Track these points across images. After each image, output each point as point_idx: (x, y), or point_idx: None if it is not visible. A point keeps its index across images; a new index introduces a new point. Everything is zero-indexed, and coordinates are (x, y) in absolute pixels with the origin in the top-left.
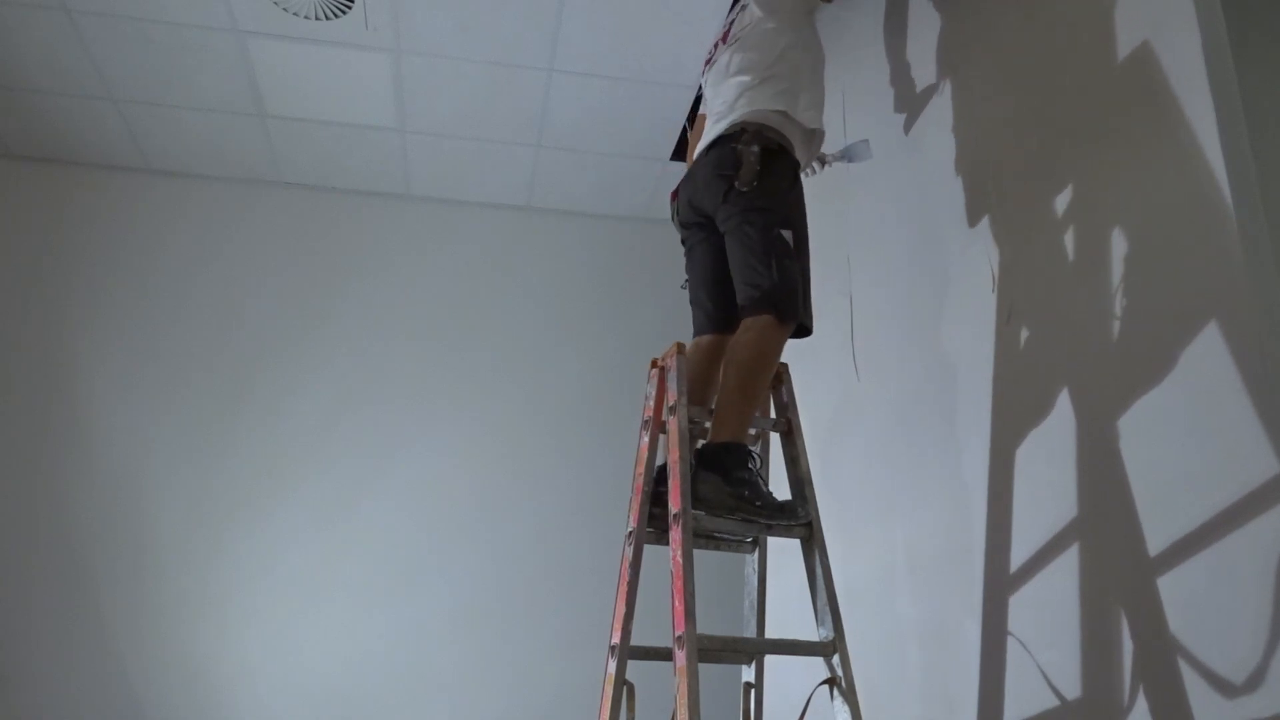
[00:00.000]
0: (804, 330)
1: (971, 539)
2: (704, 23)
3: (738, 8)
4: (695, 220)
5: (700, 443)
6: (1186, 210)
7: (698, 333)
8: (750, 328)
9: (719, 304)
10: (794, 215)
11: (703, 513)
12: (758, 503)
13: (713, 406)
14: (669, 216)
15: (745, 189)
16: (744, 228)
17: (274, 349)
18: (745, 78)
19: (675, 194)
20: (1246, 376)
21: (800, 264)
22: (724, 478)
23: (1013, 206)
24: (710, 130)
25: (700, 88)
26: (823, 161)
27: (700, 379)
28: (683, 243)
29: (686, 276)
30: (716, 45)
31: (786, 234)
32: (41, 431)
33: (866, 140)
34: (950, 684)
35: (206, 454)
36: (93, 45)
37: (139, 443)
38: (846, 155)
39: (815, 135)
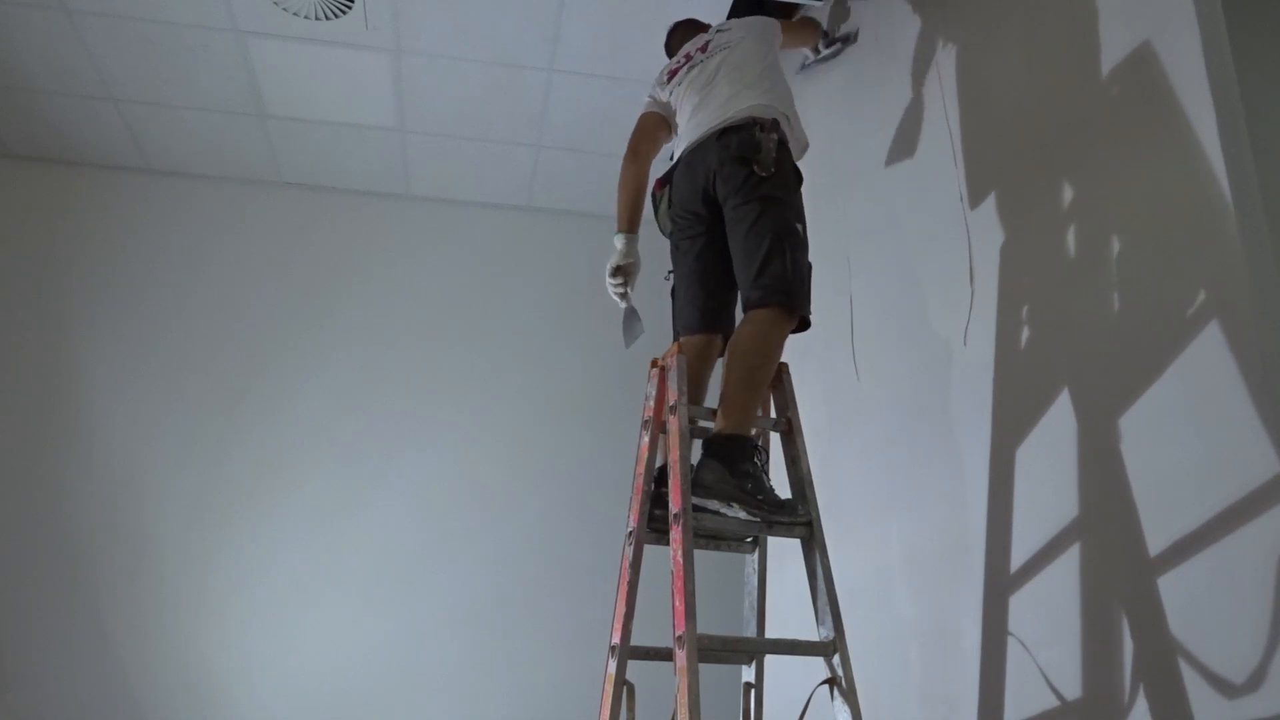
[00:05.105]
0: (805, 324)
1: (971, 539)
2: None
3: (709, 31)
4: (693, 213)
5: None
6: (1186, 210)
7: (686, 330)
8: (755, 320)
9: (713, 300)
10: (802, 211)
11: (702, 501)
12: (759, 496)
13: (708, 405)
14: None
15: (765, 174)
16: (761, 217)
17: (274, 349)
18: (744, 78)
19: (661, 184)
20: (1246, 376)
21: (807, 259)
22: (729, 469)
23: (1013, 206)
24: (714, 118)
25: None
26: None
27: (693, 379)
28: (670, 235)
29: (671, 270)
30: (688, 57)
31: (799, 227)
32: (41, 431)
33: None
34: (950, 684)
35: (206, 454)
36: (93, 45)
37: (139, 443)
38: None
39: (805, 150)
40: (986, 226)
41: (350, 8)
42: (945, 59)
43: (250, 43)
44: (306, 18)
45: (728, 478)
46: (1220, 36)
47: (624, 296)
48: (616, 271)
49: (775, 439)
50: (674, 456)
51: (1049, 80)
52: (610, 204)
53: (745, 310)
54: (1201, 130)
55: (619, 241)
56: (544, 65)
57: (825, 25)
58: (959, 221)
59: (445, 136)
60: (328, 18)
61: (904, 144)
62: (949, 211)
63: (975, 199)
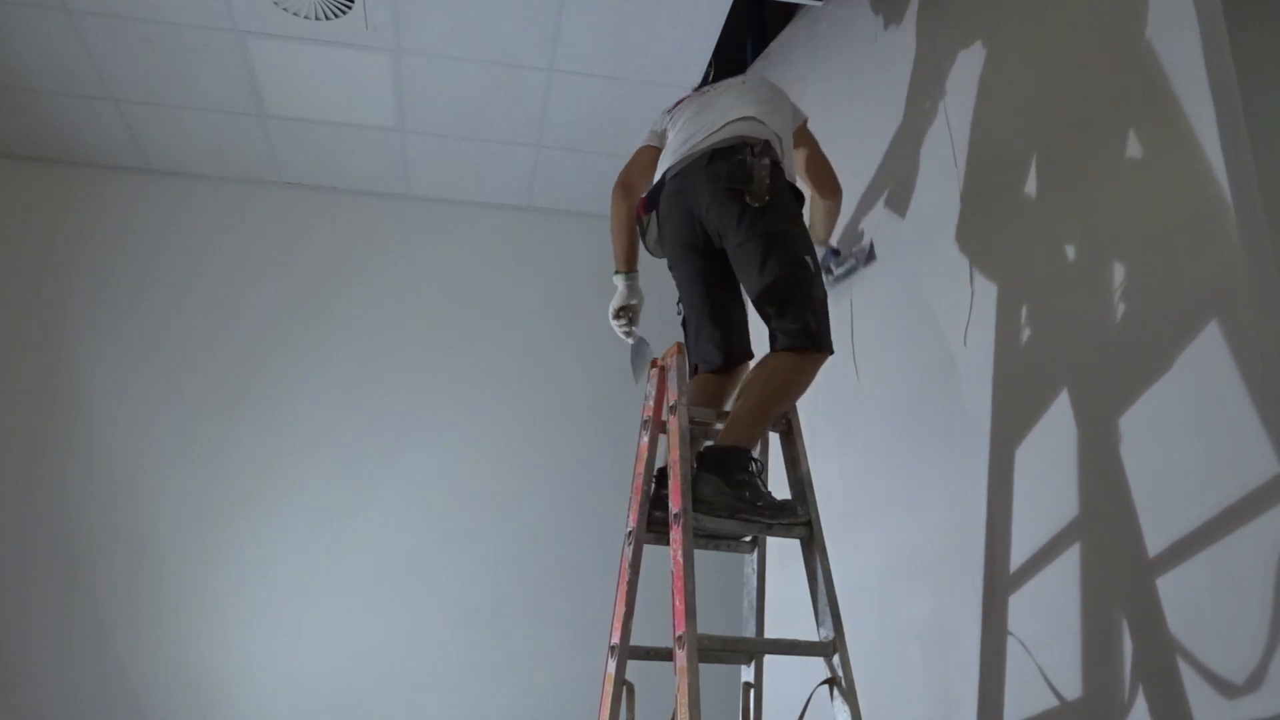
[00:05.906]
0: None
1: (971, 539)
2: (704, 22)
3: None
4: (689, 246)
5: (706, 444)
6: (1186, 210)
7: (708, 368)
8: (784, 358)
9: (730, 338)
10: (808, 238)
11: (703, 514)
12: (759, 503)
13: (724, 409)
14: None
15: (758, 204)
16: (768, 257)
17: (274, 349)
18: (747, 96)
19: (646, 207)
20: (1246, 376)
21: (822, 291)
22: (725, 479)
23: (1013, 205)
24: (705, 132)
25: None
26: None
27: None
28: (670, 267)
29: (680, 301)
30: (700, 90)
31: (809, 259)
32: (41, 431)
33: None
34: (950, 684)
35: (206, 454)
36: (93, 45)
37: (139, 443)
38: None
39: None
40: (986, 226)
41: (350, 8)
42: (945, 59)
43: (250, 43)
44: (306, 18)
45: (725, 489)
46: (1220, 36)
47: (630, 334)
48: (620, 313)
49: (775, 439)
50: (674, 457)
51: (1049, 80)
52: (608, 203)
53: (771, 346)
54: (1201, 130)
55: (619, 282)
56: (544, 65)
57: (837, 245)
58: (959, 221)
59: (445, 136)
60: (328, 18)
61: (904, 144)
62: (949, 211)
63: (975, 199)
